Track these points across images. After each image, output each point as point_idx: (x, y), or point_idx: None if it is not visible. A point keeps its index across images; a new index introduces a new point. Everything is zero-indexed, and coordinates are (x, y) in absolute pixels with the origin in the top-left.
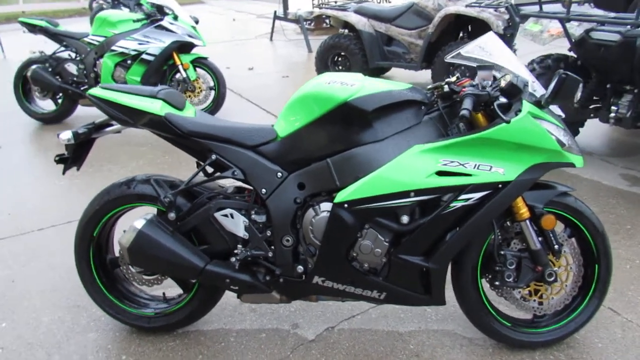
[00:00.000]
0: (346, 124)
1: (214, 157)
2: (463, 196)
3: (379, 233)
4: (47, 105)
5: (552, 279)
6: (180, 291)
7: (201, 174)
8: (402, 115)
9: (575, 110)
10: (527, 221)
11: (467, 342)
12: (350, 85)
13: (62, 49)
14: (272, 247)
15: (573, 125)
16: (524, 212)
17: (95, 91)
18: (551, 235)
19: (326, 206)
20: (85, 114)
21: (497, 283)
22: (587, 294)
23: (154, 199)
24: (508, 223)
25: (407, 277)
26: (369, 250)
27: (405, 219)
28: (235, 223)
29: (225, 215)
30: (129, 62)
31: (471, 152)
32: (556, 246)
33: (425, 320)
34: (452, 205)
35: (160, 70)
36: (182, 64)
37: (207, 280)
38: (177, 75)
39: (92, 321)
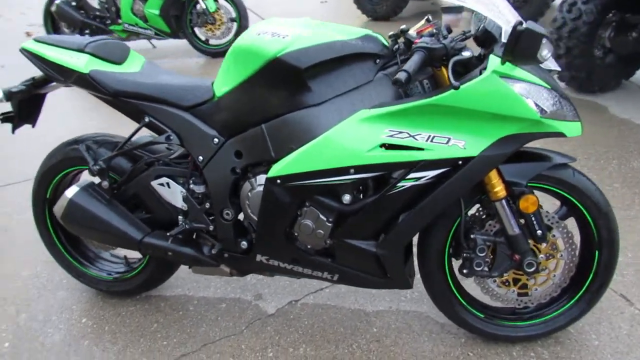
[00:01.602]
0: (279, 84)
1: (147, 119)
2: (413, 174)
3: (321, 212)
4: None
5: (533, 269)
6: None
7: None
8: (347, 73)
9: (634, 40)
10: (504, 201)
11: (438, 328)
12: (283, 37)
13: None
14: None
15: (633, 57)
16: (499, 189)
17: (27, 44)
18: (533, 218)
19: (262, 179)
20: None
21: (465, 271)
22: (582, 284)
23: None
24: (485, 197)
25: (359, 260)
26: (310, 231)
27: (347, 198)
28: (172, 193)
29: (162, 184)
30: None
31: (424, 120)
32: (539, 232)
33: (398, 299)
34: (399, 185)
35: (179, 2)
36: None
37: (147, 252)
38: (197, 7)
39: (64, 278)
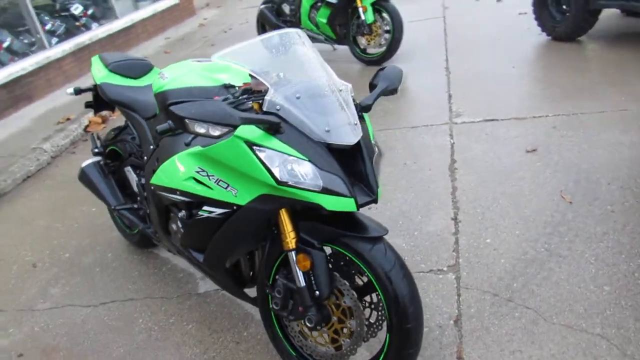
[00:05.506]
0: (161, 114)
1: (126, 122)
2: (206, 207)
3: (178, 219)
4: None
5: (311, 325)
6: None
7: None
8: None
9: None
10: (292, 253)
11: None
12: (165, 79)
13: None
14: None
15: None
16: (288, 241)
17: (93, 58)
18: (312, 277)
19: None
20: None
21: (270, 306)
22: None
23: None
24: None
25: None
26: (174, 231)
27: (183, 213)
28: (132, 179)
29: (128, 171)
30: (319, 4)
31: (215, 165)
32: (317, 292)
33: None
34: (199, 213)
35: (345, 13)
36: (361, 6)
37: (120, 217)
38: (359, 18)
39: None
